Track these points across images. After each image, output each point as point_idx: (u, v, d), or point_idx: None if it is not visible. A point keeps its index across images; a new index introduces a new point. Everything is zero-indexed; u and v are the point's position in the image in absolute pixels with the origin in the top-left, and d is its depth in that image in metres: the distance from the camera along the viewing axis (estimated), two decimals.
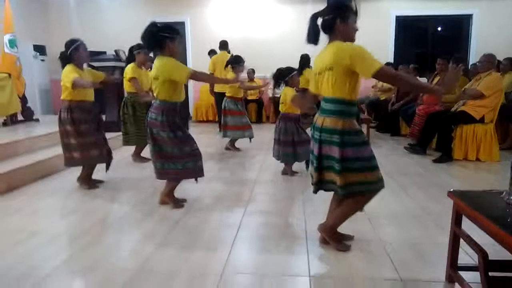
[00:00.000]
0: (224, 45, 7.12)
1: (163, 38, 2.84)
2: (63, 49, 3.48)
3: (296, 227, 2.74)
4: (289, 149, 3.93)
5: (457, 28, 9.06)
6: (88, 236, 2.60)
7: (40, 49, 8.73)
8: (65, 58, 3.44)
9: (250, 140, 5.38)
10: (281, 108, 3.99)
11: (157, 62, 2.89)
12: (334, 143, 2.10)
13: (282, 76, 3.86)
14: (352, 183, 2.13)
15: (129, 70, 4.49)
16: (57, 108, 8.64)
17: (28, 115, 6.24)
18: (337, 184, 2.15)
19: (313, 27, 2.15)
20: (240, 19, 8.92)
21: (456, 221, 1.87)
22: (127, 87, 4.60)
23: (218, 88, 6.35)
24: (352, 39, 2.12)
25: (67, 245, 2.50)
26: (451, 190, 1.91)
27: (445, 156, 4.68)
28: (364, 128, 5.71)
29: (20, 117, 6.12)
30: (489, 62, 4.68)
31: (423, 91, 3.69)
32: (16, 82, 5.86)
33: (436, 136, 4.94)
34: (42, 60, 8.78)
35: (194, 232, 2.66)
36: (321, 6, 2.24)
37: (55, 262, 2.22)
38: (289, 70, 3.89)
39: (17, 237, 2.58)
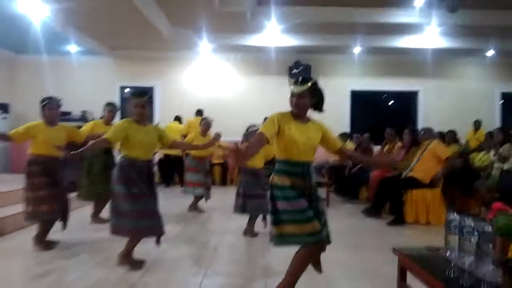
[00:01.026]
0: (199, 112, 7.71)
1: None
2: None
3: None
4: (239, 199, 4.11)
5: (406, 103, 10.02)
6: None
7: (2, 107, 8.64)
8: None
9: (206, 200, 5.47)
10: None
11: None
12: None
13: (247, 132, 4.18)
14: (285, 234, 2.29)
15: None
16: (15, 167, 8.39)
17: None
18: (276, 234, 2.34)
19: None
20: (208, 85, 9.42)
21: (401, 276, 2.03)
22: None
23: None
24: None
25: None
26: (395, 247, 2.09)
27: (398, 219, 4.95)
28: (324, 192, 6.01)
29: None
30: (427, 133, 5.35)
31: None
32: None
33: (389, 201, 5.25)
34: (4, 118, 8.65)
35: None
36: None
37: None
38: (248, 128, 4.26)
39: None
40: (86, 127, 4.56)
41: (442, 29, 7.38)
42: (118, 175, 3.02)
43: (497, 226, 1.67)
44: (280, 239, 2.32)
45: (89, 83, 9.26)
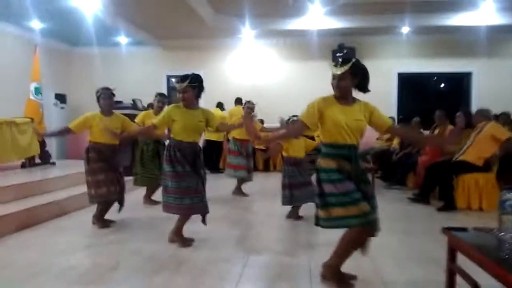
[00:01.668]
0: (238, 100, 7.75)
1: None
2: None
3: (300, 265, 2.82)
4: (286, 191, 4.11)
5: (457, 85, 9.48)
6: (101, 269, 2.71)
7: (61, 98, 9.26)
8: None
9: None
10: (283, 153, 4.22)
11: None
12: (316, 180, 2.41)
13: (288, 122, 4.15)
14: (333, 217, 2.29)
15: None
16: (71, 154, 9.00)
17: (45, 159, 6.52)
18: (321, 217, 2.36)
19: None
20: (250, 72, 9.48)
21: (451, 256, 1.98)
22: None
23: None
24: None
25: (80, 278, 2.60)
26: (445, 227, 2.04)
27: (448, 205, 4.76)
28: (369, 178, 5.86)
29: (37, 160, 6.40)
30: (483, 115, 4.98)
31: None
32: (37, 127, 6.21)
33: (438, 186, 5.05)
34: (62, 108, 9.27)
35: (201, 267, 2.77)
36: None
37: None
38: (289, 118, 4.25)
39: (31, 270, 2.71)
40: (137, 119, 4.79)
41: (498, 4, 6.86)
42: (166, 155, 3.20)
43: None
44: (327, 221, 2.32)
45: (138, 73, 9.66)
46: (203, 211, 3.26)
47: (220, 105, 8.61)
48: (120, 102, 8.52)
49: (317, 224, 2.42)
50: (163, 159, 3.24)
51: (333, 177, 2.31)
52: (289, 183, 4.10)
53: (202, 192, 3.24)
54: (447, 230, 2.00)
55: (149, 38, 9.09)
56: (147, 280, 2.54)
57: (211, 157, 8.35)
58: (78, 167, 5.89)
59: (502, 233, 1.85)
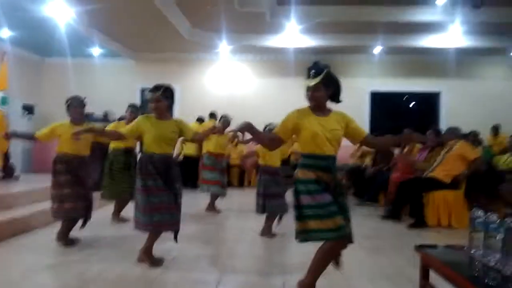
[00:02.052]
0: (212, 115, 7.70)
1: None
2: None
3: (275, 286, 2.75)
4: (259, 199, 4.07)
5: (427, 104, 9.82)
6: None
7: (28, 108, 8.92)
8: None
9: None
10: (260, 161, 4.21)
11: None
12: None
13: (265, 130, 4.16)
14: (307, 230, 2.27)
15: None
16: (37, 167, 8.64)
17: (9, 172, 6.21)
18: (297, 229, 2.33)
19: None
20: (227, 87, 9.49)
21: (424, 274, 1.98)
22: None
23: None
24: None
25: None
26: (418, 245, 2.04)
27: (419, 222, 4.83)
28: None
29: (0, 174, 6.08)
30: (452, 134, 5.15)
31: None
32: (1, 139, 5.92)
33: (409, 203, 5.13)
34: (29, 119, 8.92)
35: None
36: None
37: None
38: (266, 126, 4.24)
39: None
40: (108, 128, 4.65)
41: (465, 27, 7.21)
42: (137, 169, 3.10)
43: None
44: (303, 235, 2.30)
45: (111, 85, 9.47)
46: (174, 228, 3.14)
47: (200, 120, 8.47)
48: (91, 114, 8.31)
49: (296, 238, 2.38)
50: (136, 173, 3.12)
51: (311, 188, 2.30)
52: (263, 192, 4.06)
53: (173, 207, 3.11)
54: (419, 247, 2.00)
55: (123, 50, 8.96)
56: None
57: (189, 173, 8.18)
58: (43, 181, 5.64)
59: (473, 251, 1.87)
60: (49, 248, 3.59)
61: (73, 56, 8.88)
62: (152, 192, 3.02)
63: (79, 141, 3.53)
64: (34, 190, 5.15)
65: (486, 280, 1.63)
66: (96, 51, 8.97)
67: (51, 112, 8.81)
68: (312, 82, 2.36)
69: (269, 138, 2.56)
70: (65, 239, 3.68)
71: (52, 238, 3.75)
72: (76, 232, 3.80)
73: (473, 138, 6.81)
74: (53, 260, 3.28)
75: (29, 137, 3.81)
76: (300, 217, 2.32)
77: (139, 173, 3.07)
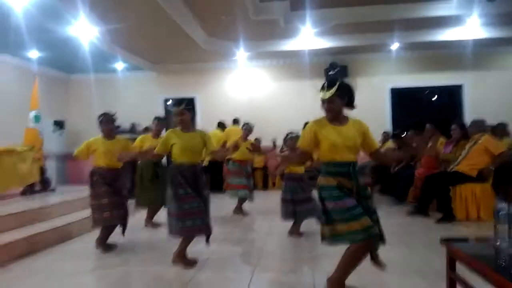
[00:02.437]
0: (236, 121, 8.01)
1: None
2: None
3: (304, 282, 2.85)
4: (289, 207, 4.15)
5: (449, 98, 9.68)
6: None
7: (59, 124, 9.34)
8: None
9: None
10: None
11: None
12: (319, 198, 2.49)
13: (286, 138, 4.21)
14: (339, 233, 2.37)
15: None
16: (71, 179, 9.03)
17: (45, 185, 6.55)
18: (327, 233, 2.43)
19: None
20: (246, 93, 9.64)
21: (450, 266, 2.03)
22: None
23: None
24: None
25: None
26: (443, 238, 2.10)
27: (447, 216, 4.81)
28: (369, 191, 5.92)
29: (37, 187, 6.41)
30: (478, 126, 5.08)
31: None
32: (38, 154, 6.26)
33: (436, 198, 5.11)
34: (61, 135, 9.34)
35: (206, 287, 2.79)
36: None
37: None
38: (288, 134, 4.26)
39: None
40: (136, 143, 4.88)
41: (483, 20, 7.11)
42: (168, 178, 3.28)
43: None
44: (331, 238, 2.41)
45: (135, 97, 9.79)
46: (206, 232, 3.30)
47: (221, 125, 8.62)
48: (118, 126, 8.62)
49: (323, 240, 2.48)
50: (167, 182, 3.29)
51: (334, 194, 2.40)
52: (291, 199, 4.16)
53: (203, 213, 3.27)
54: (445, 241, 2.06)
55: (144, 63, 9.26)
56: None
57: (214, 177, 8.35)
58: (78, 192, 5.94)
59: (498, 242, 1.92)
60: (88, 254, 3.81)
61: (97, 72, 9.23)
62: (183, 200, 3.19)
63: (113, 155, 3.76)
64: (69, 201, 5.42)
65: (511, 270, 1.68)
66: (119, 65, 9.31)
67: (80, 126, 9.22)
68: (327, 95, 2.43)
69: (297, 156, 2.70)
70: (104, 245, 3.90)
71: (91, 245, 3.98)
72: (113, 238, 4.02)
73: (501, 129, 6.66)
74: (93, 264, 3.51)
75: (72, 158, 4.12)
76: (327, 221, 2.43)
77: (170, 182, 3.24)
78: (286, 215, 4.25)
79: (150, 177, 4.86)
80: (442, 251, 2.84)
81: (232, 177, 5.62)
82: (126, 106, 9.43)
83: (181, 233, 3.23)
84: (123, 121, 8.61)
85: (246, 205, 5.78)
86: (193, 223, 3.19)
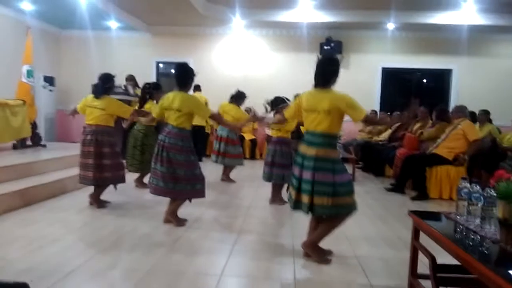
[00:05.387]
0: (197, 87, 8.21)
1: (192, 78, 3.51)
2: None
3: (284, 244, 3.13)
4: (281, 170, 4.36)
5: (438, 81, 9.89)
6: (103, 243, 2.96)
7: (49, 80, 9.25)
8: (104, 89, 4.04)
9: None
10: (275, 133, 4.50)
11: (182, 96, 3.41)
12: (329, 170, 2.57)
13: (277, 103, 4.28)
14: (339, 205, 2.59)
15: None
16: (60, 136, 9.08)
17: (36, 141, 6.63)
18: (328, 205, 2.57)
19: (323, 74, 2.68)
20: (240, 61, 9.66)
21: (415, 235, 2.30)
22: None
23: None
24: None
25: (85, 250, 2.85)
26: (410, 210, 2.36)
27: (421, 194, 5.15)
28: (350, 168, 6.25)
29: (28, 142, 6.50)
30: (460, 112, 5.32)
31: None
32: (29, 109, 6.31)
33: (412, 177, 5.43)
34: (50, 91, 9.27)
35: (196, 243, 3.04)
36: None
37: (76, 262, 2.57)
38: (283, 100, 4.32)
39: (39, 243, 2.93)
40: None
41: (479, 5, 7.23)
42: (182, 145, 3.40)
43: (498, 190, 1.87)
44: (323, 209, 2.60)
45: (127, 58, 9.71)
46: (204, 195, 3.56)
47: (197, 88, 8.42)
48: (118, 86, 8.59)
49: (309, 211, 2.66)
50: (178, 149, 3.38)
51: (343, 168, 2.71)
52: (270, 161, 4.37)
53: (193, 177, 3.46)
54: (412, 212, 2.32)
55: (139, 24, 9.14)
56: (147, 253, 2.80)
57: (196, 144, 8.37)
58: (69, 149, 6.07)
59: (458, 216, 2.18)
60: (82, 208, 4.02)
61: (91, 28, 9.08)
62: (197, 165, 3.52)
63: (103, 114, 3.92)
64: (62, 157, 5.54)
65: (466, 241, 1.93)
66: (113, 24, 9.16)
67: (71, 83, 9.17)
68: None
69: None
70: (98, 202, 4.11)
71: (83, 200, 4.17)
72: (105, 196, 4.22)
73: (483, 116, 6.94)
74: (87, 218, 3.72)
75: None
76: (334, 193, 2.57)
77: (184, 149, 3.42)
78: (263, 175, 4.52)
79: (152, 143, 4.88)
80: (411, 224, 3.13)
81: (221, 143, 5.78)
82: (119, 66, 9.37)
83: (190, 195, 3.49)
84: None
85: (233, 174, 6.01)
86: (202, 186, 3.53)
